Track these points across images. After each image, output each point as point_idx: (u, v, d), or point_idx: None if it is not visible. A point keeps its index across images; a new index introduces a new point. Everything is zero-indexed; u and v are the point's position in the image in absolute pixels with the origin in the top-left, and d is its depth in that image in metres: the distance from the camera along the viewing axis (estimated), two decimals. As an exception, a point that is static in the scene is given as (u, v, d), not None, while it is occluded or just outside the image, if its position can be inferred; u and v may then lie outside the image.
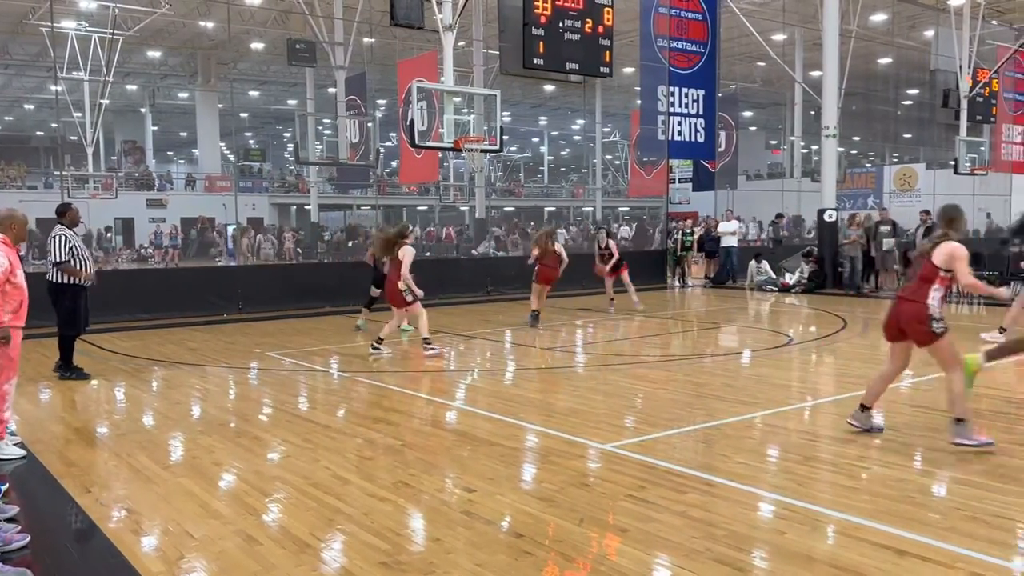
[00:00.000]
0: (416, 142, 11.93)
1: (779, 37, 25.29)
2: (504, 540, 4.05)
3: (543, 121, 49.58)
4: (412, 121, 11.64)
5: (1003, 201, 27.09)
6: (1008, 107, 21.74)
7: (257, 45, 30.99)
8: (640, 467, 5.14)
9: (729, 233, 19.70)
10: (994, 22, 22.12)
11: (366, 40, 23.43)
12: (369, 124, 20.11)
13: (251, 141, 48.23)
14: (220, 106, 36.51)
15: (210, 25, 27.98)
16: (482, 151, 12.20)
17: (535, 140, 54.66)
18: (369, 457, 5.57)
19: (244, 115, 43.83)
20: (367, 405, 7.36)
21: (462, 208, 35.93)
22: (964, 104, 19.59)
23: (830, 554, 3.82)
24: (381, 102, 31.37)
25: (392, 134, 36.61)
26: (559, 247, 12.39)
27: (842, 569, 3.61)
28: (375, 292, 11.62)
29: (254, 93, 40.93)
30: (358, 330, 11.66)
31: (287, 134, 44.80)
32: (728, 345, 11.02)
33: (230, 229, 31.92)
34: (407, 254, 9.45)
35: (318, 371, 9.05)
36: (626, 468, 5.14)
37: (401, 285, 9.39)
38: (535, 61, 11.57)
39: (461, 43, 17.00)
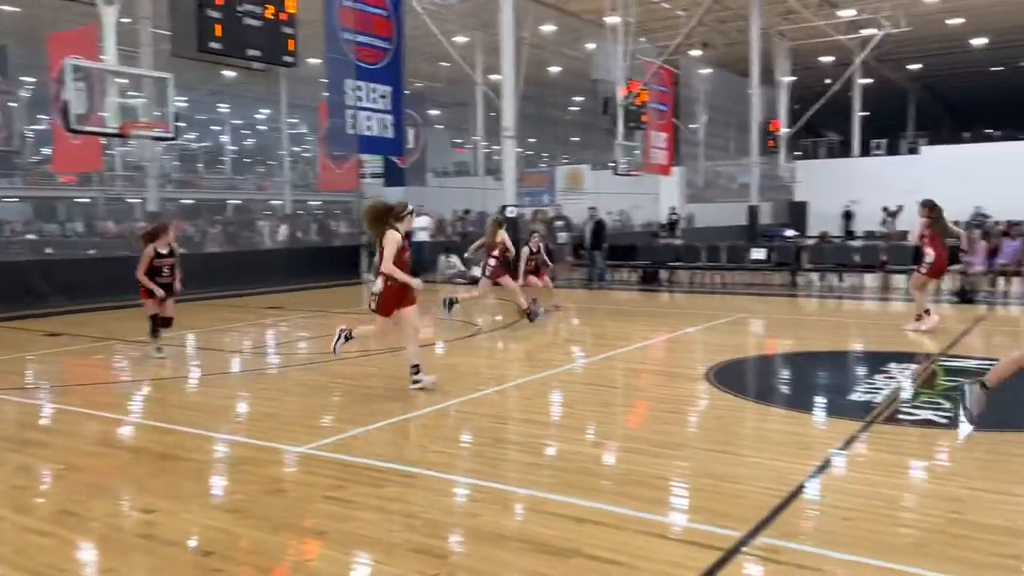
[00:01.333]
0: (72, 127, 10.60)
1: (461, 39, 26.36)
2: (191, 560, 3.75)
3: (224, 109, 46.78)
4: (67, 103, 10.32)
5: (653, 199, 30.84)
6: (655, 116, 24.75)
7: None
8: (337, 466, 5.05)
9: (420, 228, 20.17)
10: (643, 40, 24.99)
11: (6, 8, 20.38)
12: (12, 104, 17.50)
13: None
14: None
15: None
16: (153, 138, 11.20)
17: (215, 128, 51.41)
18: (22, 486, 4.84)
19: None
20: (18, 426, 6.40)
21: (131, 201, 32.68)
22: (620, 112, 21.93)
23: (519, 529, 4.06)
24: (28, 80, 27.39)
25: (43, 116, 32.20)
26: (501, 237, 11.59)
27: (529, 542, 3.84)
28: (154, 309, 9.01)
29: None
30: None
31: (-98, 111, 37.41)
32: (422, 336, 11.23)
33: None
34: (389, 240, 6.88)
35: (-48, 392, 7.68)
36: (323, 469, 5.02)
37: (374, 287, 7.09)
38: (212, 45, 10.82)
39: (126, 19, 15.39)
